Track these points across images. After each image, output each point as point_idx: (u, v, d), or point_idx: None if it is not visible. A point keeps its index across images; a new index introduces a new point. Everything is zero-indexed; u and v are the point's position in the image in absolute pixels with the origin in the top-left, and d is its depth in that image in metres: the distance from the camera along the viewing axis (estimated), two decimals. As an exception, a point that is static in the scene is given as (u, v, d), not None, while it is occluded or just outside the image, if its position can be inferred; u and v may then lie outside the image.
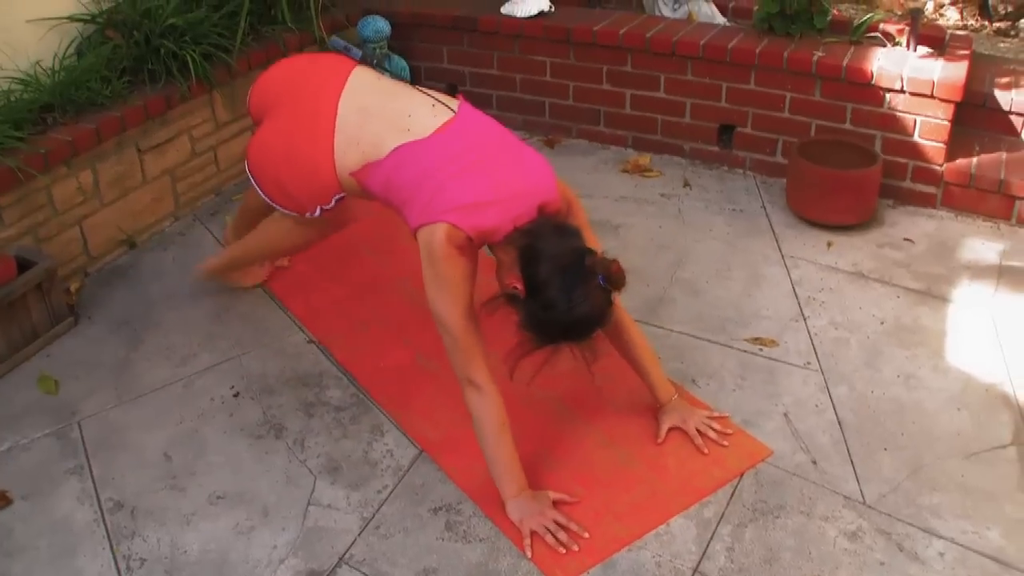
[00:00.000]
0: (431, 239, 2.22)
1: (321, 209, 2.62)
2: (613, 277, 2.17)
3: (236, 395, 2.78)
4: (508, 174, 2.30)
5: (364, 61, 2.67)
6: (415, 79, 4.41)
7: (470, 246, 2.26)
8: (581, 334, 2.21)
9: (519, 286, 2.18)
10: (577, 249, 2.19)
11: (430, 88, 2.60)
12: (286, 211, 2.70)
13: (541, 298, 2.15)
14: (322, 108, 2.52)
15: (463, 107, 2.47)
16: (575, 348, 2.24)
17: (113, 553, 2.28)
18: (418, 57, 4.44)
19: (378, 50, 4.07)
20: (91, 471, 2.52)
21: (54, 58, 3.41)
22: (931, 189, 3.66)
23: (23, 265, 2.92)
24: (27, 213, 3.09)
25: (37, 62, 3.36)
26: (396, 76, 2.68)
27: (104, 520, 2.37)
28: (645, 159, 4.10)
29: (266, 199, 2.71)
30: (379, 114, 2.48)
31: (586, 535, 2.28)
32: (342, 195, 2.59)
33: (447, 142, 2.35)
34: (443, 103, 2.48)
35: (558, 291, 2.13)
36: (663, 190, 3.88)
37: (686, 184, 3.93)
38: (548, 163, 2.39)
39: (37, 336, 2.97)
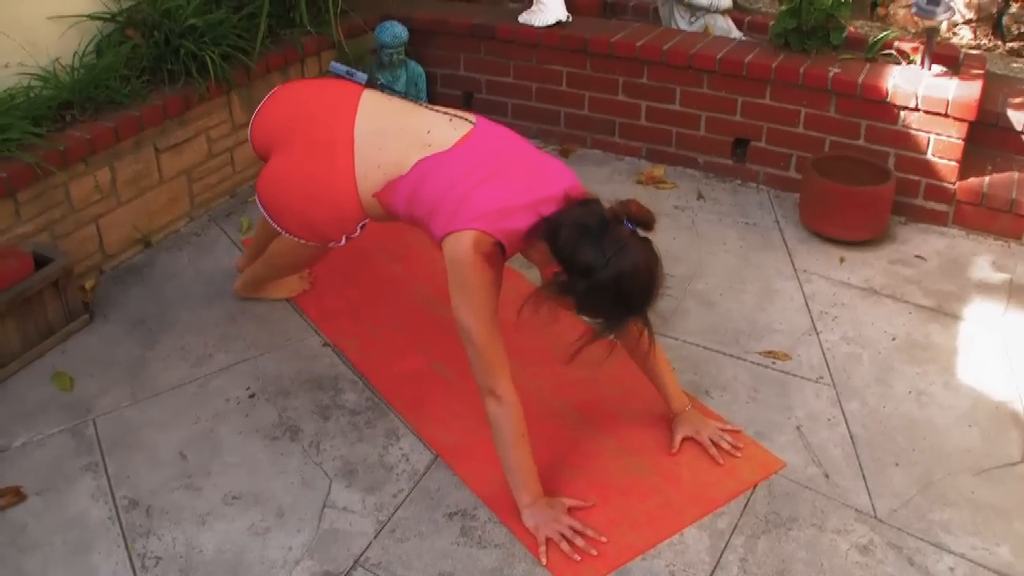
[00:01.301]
0: (457, 247, 2.21)
1: (347, 238, 2.60)
2: (636, 216, 2.12)
3: (252, 396, 2.79)
4: (533, 179, 2.29)
5: (370, 85, 2.67)
6: (431, 86, 4.43)
7: (499, 254, 2.26)
8: (639, 297, 2.14)
9: (557, 269, 2.13)
10: (595, 210, 2.14)
11: (445, 96, 2.60)
12: (308, 243, 2.65)
13: (578, 266, 2.08)
14: (337, 135, 2.50)
15: (481, 119, 2.48)
16: (642, 324, 2.19)
17: (128, 551, 2.28)
18: (435, 64, 4.45)
19: (395, 56, 4.09)
20: (106, 468, 2.53)
21: (74, 56, 3.42)
22: (943, 207, 3.67)
23: (39, 262, 2.93)
24: (44, 209, 3.10)
25: (56, 59, 3.37)
26: (404, 96, 2.68)
27: (119, 518, 2.38)
28: (659, 171, 4.11)
29: (285, 234, 2.66)
30: (397, 133, 2.46)
31: (603, 539, 2.29)
32: (366, 221, 2.57)
33: (470, 152, 2.36)
34: (460, 116, 2.48)
35: (589, 250, 2.06)
36: (677, 202, 3.90)
37: (700, 197, 3.94)
38: (570, 169, 2.40)
39: (52, 333, 2.98)
